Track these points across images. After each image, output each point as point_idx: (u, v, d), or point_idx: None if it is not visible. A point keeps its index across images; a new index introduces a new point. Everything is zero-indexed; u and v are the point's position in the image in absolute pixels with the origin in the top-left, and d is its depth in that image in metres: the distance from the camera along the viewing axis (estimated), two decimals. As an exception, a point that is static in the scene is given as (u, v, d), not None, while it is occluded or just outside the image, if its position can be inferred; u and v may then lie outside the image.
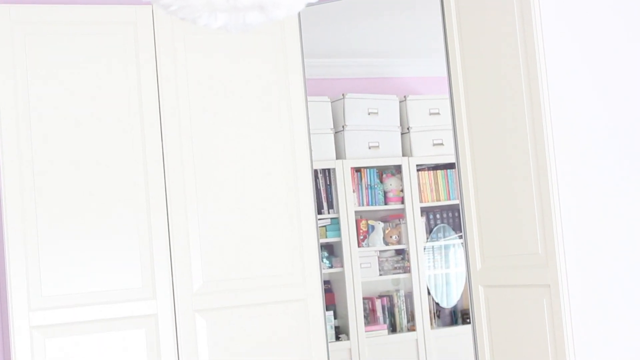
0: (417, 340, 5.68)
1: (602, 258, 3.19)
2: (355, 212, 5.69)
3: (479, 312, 3.60)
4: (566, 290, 3.12)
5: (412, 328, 5.75)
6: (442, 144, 5.87)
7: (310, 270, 3.76)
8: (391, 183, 5.81)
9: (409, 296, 5.81)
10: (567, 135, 3.18)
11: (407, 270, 5.80)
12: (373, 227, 5.78)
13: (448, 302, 6.02)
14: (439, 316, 5.95)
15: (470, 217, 3.63)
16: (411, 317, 5.80)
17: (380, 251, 5.80)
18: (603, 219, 3.21)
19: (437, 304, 5.97)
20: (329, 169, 5.63)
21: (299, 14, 3.77)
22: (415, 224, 5.77)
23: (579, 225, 3.16)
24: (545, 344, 3.22)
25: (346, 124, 5.67)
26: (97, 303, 3.47)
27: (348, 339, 5.53)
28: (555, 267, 3.13)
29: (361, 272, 5.62)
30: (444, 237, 6.01)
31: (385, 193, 5.82)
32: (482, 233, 3.57)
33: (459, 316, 6.04)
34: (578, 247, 3.15)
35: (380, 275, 5.76)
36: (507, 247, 3.41)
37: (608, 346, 3.17)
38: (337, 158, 5.66)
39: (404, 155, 5.86)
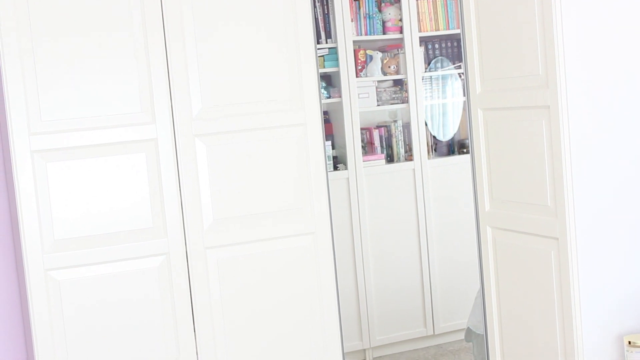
0: (414, 169, 5.74)
1: (605, 83, 3.18)
2: (354, 41, 5.63)
3: (478, 137, 3.61)
4: (566, 110, 3.12)
5: (409, 158, 5.80)
6: (442, -28, 5.75)
7: (310, 96, 3.75)
8: (390, 12, 5.72)
9: (406, 127, 5.84)
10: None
11: (404, 100, 5.79)
12: (371, 57, 5.74)
13: (445, 135, 6.04)
14: (435, 150, 5.99)
15: (472, 43, 3.60)
16: (408, 148, 5.84)
17: (378, 81, 5.78)
18: (607, 44, 3.18)
19: (434, 137, 6.00)
20: (326, -2, 5.54)
21: None
22: (414, 53, 5.72)
23: (582, 48, 3.14)
24: (543, 164, 3.25)
25: (344, -50, 5.53)
26: (97, 128, 3.47)
27: (346, 168, 5.59)
28: (556, 87, 3.12)
29: (359, 102, 5.62)
30: (442, 68, 5.98)
31: (383, 22, 5.74)
32: (483, 57, 3.55)
33: (456, 148, 6.09)
34: (581, 69, 3.13)
35: (378, 105, 5.77)
36: (507, 69, 3.40)
37: (604, 154, 3.20)
38: (335, -14, 5.56)
39: (403, -17, 5.75)
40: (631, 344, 3.13)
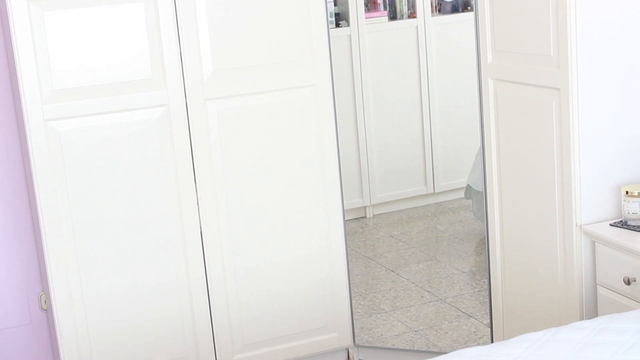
0: (417, 27, 5.66)
1: None
2: None
3: (482, -13, 3.55)
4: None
5: (412, 15, 5.71)
6: None
7: (310, -55, 3.68)
8: None
9: (410, -17, 5.73)
10: None
11: (408, -45, 5.67)
12: None
13: (449, -7, 5.94)
14: (439, 10, 5.89)
15: None
16: (411, 5, 5.74)
17: (381, -62, 5.65)
18: None
19: (438, -4, 5.90)
20: None
21: None
22: None
23: None
24: (547, 13, 3.20)
25: None
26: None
27: (348, 25, 5.51)
28: None
29: (362, -43, 5.50)
30: None
31: None
32: None
33: (460, 7, 5.98)
34: None
35: (382, -39, 5.65)
36: None
37: (609, 3, 3.15)
38: None
39: None
40: (628, 193, 3.15)
